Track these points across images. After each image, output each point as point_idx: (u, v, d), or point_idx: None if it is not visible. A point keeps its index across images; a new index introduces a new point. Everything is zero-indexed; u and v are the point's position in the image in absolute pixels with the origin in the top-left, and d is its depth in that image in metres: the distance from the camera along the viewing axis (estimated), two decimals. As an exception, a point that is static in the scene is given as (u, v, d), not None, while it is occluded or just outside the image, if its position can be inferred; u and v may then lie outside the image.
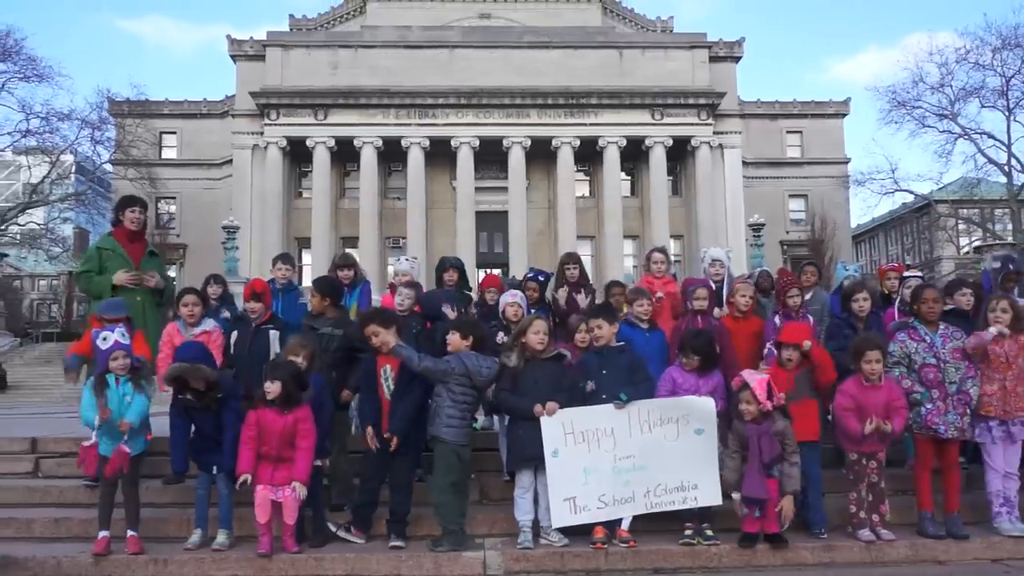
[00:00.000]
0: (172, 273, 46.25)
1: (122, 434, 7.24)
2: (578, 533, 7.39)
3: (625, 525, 7.40)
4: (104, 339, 7.55)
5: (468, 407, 7.50)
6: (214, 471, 7.46)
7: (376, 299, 10.80)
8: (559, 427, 7.39)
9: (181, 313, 8.96)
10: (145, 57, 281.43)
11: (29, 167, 53.24)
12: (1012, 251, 35.13)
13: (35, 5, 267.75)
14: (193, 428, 7.66)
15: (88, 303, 7.95)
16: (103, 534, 7.20)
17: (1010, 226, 51.73)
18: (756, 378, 7.32)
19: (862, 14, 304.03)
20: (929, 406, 7.61)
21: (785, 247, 56.69)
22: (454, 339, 7.56)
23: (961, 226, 57.77)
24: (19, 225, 53.10)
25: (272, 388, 7.20)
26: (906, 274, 10.11)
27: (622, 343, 7.89)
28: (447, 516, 7.26)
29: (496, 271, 42.24)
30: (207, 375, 7.37)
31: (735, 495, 7.15)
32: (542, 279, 10.19)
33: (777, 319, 8.84)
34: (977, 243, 55.19)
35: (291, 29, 59.02)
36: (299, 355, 7.58)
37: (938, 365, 7.67)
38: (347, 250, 13.10)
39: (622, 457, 7.42)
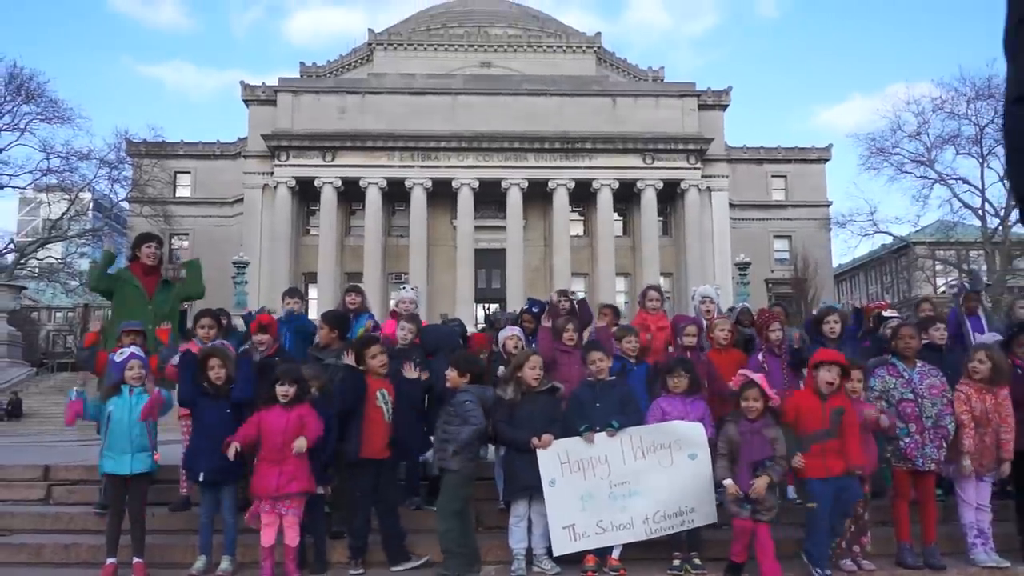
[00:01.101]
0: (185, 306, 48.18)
1: (143, 443, 7.49)
2: (569, 562, 7.52)
3: (615, 554, 7.50)
4: (120, 354, 7.77)
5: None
6: (200, 478, 7.57)
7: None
8: (555, 458, 7.53)
9: (198, 333, 9.28)
10: (164, 101, 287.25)
11: (49, 204, 55.62)
12: (970, 276, 36.22)
13: (61, 51, 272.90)
14: (191, 427, 7.97)
15: (103, 334, 8.71)
16: (110, 561, 7.34)
17: (985, 267, 53.88)
18: (759, 376, 7.54)
19: (847, 64, 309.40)
20: (908, 439, 7.70)
21: (770, 285, 59.12)
22: (453, 376, 7.70)
23: (938, 267, 59.83)
24: (38, 259, 55.39)
25: (288, 391, 7.39)
26: (885, 314, 10.11)
27: (614, 377, 8.02)
28: (456, 541, 7.42)
29: (493, 306, 44.71)
30: (230, 359, 7.85)
31: (727, 481, 7.16)
32: (536, 310, 10.42)
33: (760, 355, 9.02)
34: (953, 282, 57.49)
35: (302, 76, 61.88)
36: (312, 385, 7.77)
37: (916, 400, 7.75)
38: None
39: (617, 483, 7.52)
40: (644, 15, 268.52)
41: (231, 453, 7.19)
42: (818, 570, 7.08)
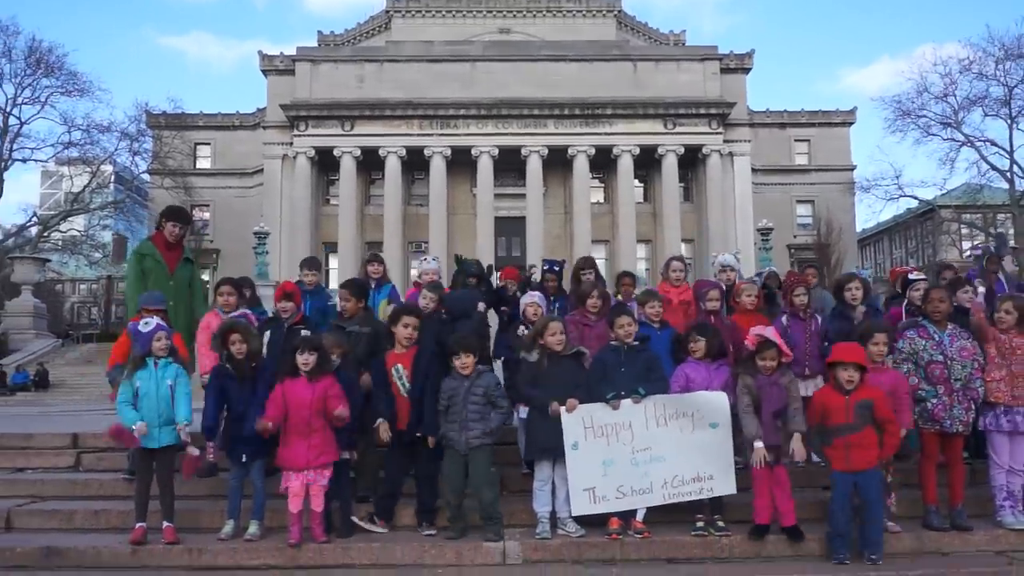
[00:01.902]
0: (205, 277, 48.89)
1: (170, 418, 7.49)
2: (594, 524, 7.53)
3: (640, 516, 7.52)
4: (146, 323, 7.71)
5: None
6: (243, 459, 7.61)
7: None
8: (579, 422, 7.56)
9: (218, 301, 9.22)
10: (185, 72, 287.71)
11: (71, 177, 56.20)
12: (997, 238, 35.57)
13: (81, 23, 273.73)
14: (226, 412, 7.81)
15: (126, 306, 8.67)
16: (140, 525, 7.40)
17: (1012, 230, 53.23)
18: (772, 333, 7.61)
19: (876, 25, 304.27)
20: (935, 401, 7.67)
21: (792, 251, 58.63)
22: (470, 361, 7.73)
23: (964, 230, 59.30)
24: (61, 232, 55.95)
25: (309, 359, 7.37)
26: (912, 276, 9.94)
27: (637, 342, 7.96)
28: (496, 506, 7.55)
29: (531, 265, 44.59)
30: (253, 334, 7.81)
31: (757, 443, 7.19)
32: (558, 269, 10.54)
33: (784, 318, 8.92)
34: (979, 246, 56.87)
35: (319, 45, 61.72)
36: (334, 353, 7.74)
37: (945, 362, 7.72)
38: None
39: (639, 449, 7.56)
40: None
41: (265, 432, 7.28)
42: (834, 556, 7.04)
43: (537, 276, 11.57)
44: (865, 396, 7.13)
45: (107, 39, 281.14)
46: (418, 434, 7.81)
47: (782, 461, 7.32)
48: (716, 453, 7.58)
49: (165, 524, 7.46)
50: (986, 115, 51.38)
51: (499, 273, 11.32)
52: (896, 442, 7.24)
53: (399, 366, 7.86)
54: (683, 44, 63.51)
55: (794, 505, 7.35)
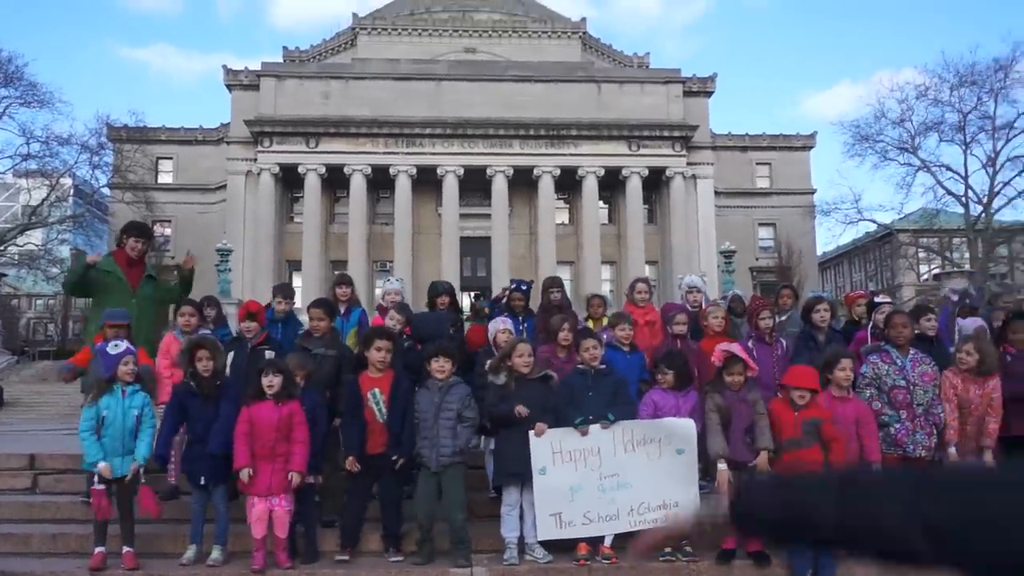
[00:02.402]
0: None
1: (130, 448, 7.40)
2: (562, 549, 7.59)
3: (608, 542, 7.55)
4: (115, 346, 7.60)
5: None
6: (201, 482, 7.49)
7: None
8: (547, 446, 7.56)
9: (179, 323, 9.25)
10: (147, 85, 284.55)
11: (29, 190, 55.03)
12: (968, 282, 36.63)
13: (41, 33, 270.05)
14: (185, 434, 7.82)
15: (84, 323, 8.52)
16: (99, 550, 7.28)
17: (968, 254, 54.31)
18: (737, 348, 7.73)
19: (836, 51, 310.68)
20: (898, 426, 7.71)
21: (755, 273, 59.37)
22: (448, 367, 7.77)
23: (921, 254, 60.28)
24: (18, 246, 54.64)
25: (274, 381, 7.30)
26: (878, 299, 9.99)
27: (605, 366, 7.99)
28: (466, 530, 7.57)
29: (474, 293, 44.54)
30: (220, 351, 7.77)
31: (721, 464, 7.25)
32: (525, 288, 10.66)
33: (750, 342, 8.91)
34: (936, 271, 57.80)
35: (285, 60, 61.45)
36: (298, 375, 7.71)
37: (907, 387, 7.77)
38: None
39: (607, 475, 7.55)
40: (633, 1, 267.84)
41: (244, 477, 7.20)
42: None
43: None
44: (815, 415, 7.31)
45: (68, 50, 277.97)
46: (393, 457, 7.68)
47: None
48: (682, 480, 7.60)
49: (125, 549, 7.34)
50: (941, 140, 52.37)
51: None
52: (840, 460, 7.21)
53: (376, 391, 7.74)
54: (647, 67, 64.24)
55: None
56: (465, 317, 11.03)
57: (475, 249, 55.26)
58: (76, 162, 52.21)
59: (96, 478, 7.34)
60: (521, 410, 7.54)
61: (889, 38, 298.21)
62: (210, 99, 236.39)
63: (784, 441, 7.28)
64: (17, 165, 52.41)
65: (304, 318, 9.72)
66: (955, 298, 11.09)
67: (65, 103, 61.76)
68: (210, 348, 7.72)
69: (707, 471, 7.79)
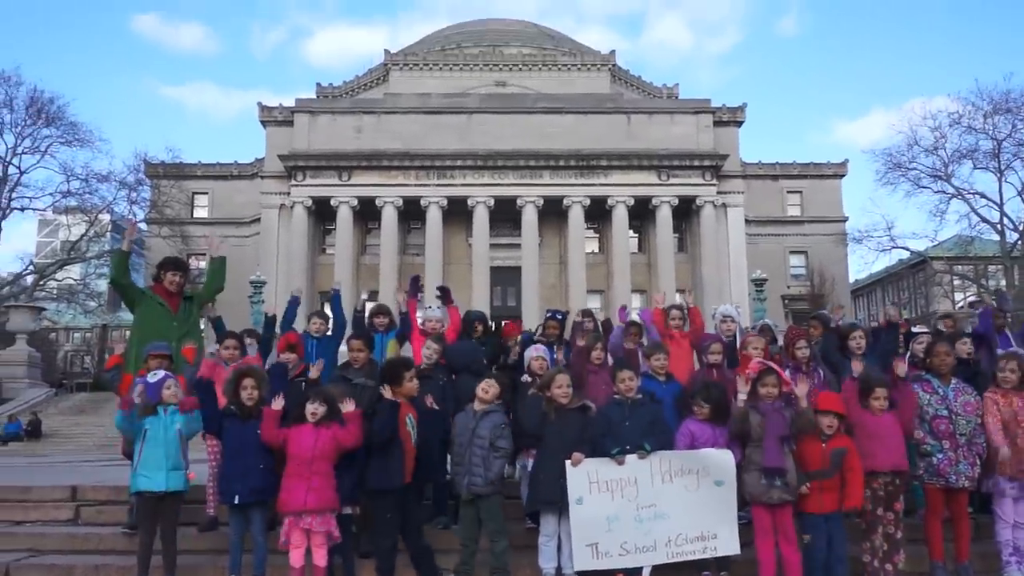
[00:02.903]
0: (201, 325, 48.47)
1: (178, 462, 7.60)
2: (600, 580, 7.50)
3: (646, 573, 7.53)
4: (154, 375, 7.83)
5: None
6: (236, 501, 7.56)
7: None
8: (584, 476, 7.54)
9: (223, 356, 9.39)
10: (186, 122, 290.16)
11: (68, 226, 56.25)
12: (997, 294, 36.33)
13: (84, 73, 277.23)
14: (221, 451, 8.01)
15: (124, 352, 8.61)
16: None
17: (1004, 282, 53.46)
18: (773, 364, 7.74)
19: (868, 79, 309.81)
20: (940, 456, 7.69)
21: (786, 301, 58.81)
22: (492, 388, 7.93)
23: (956, 282, 59.55)
24: (57, 280, 55.75)
25: (318, 410, 7.44)
26: (915, 330, 9.95)
27: (641, 396, 8.04)
28: (507, 557, 7.65)
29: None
30: (266, 381, 7.88)
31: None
32: (560, 317, 10.79)
33: (788, 372, 8.66)
34: (972, 298, 57.03)
35: (318, 96, 62.54)
36: (343, 402, 7.76)
37: (950, 417, 7.74)
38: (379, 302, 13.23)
39: (644, 506, 7.53)
40: (665, 33, 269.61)
41: (277, 405, 7.44)
42: None
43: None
44: (840, 444, 7.39)
45: (108, 89, 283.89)
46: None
47: (789, 497, 7.29)
48: (721, 511, 7.56)
49: None
50: (975, 168, 51.86)
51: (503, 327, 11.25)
52: (859, 488, 7.33)
53: (411, 416, 7.81)
54: (676, 97, 64.58)
55: (800, 558, 7.32)
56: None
57: (505, 279, 55.48)
58: (115, 199, 53.50)
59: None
60: (575, 457, 7.58)
61: (922, 66, 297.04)
62: (246, 135, 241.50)
63: (811, 472, 7.33)
64: (57, 202, 53.81)
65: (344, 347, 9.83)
66: (982, 310, 11.10)
67: (104, 141, 63.31)
68: (256, 378, 7.84)
69: (742, 503, 7.76)
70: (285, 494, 7.36)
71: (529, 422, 7.94)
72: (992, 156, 50.84)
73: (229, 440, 7.80)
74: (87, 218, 53.97)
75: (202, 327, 9.78)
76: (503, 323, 11.50)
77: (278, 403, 7.58)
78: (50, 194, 52.31)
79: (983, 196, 51.39)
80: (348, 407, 7.58)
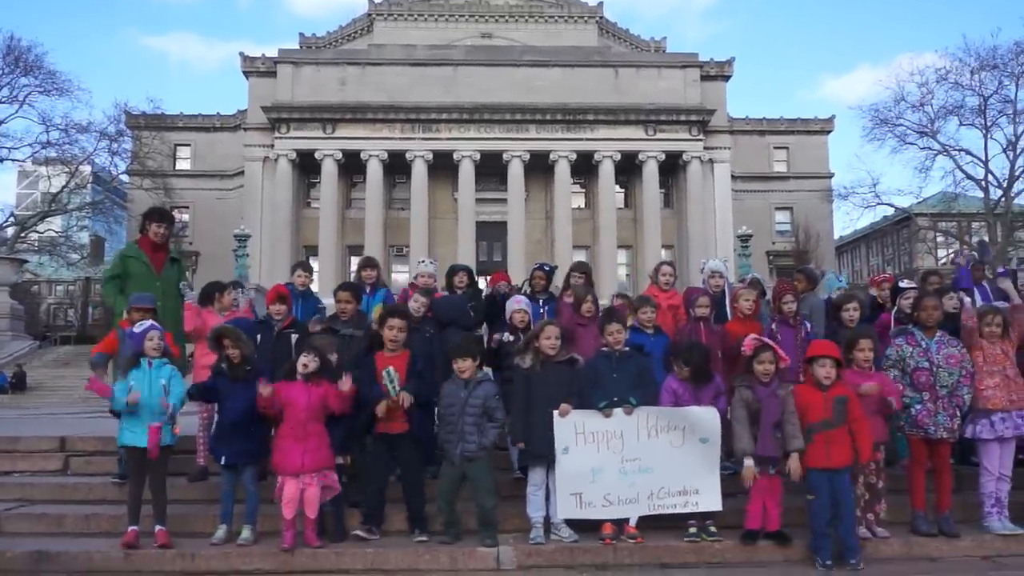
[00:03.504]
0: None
1: (162, 413, 7.46)
2: (587, 529, 7.61)
3: (632, 522, 7.60)
4: (140, 325, 7.76)
5: None
6: (223, 461, 7.59)
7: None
8: (571, 427, 7.60)
9: (224, 303, 9.57)
10: (168, 72, 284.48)
11: (48, 177, 55.59)
12: (978, 246, 36.65)
13: (63, 23, 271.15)
14: (216, 414, 7.97)
15: (104, 307, 8.49)
16: (132, 528, 7.39)
17: (987, 238, 53.85)
18: (769, 340, 7.70)
19: (857, 34, 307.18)
20: (919, 407, 7.73)
21: (771, 257, 59.12)
22: (471, 365, 7.77)
23: (939, 238, 59.98)
24: (38, 233, 55.37)
25: (310, 362, 7.45)
26: (903, 285, 9.96)
27: (628, 348, 8.05)
28: (494, 513, 7.65)
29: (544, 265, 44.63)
30: (245, 345, 7.74)
31: (747, 461, 7.28)
32: (548, 269, 10.62)
33: (774, 325, 8.92)
34: (963, 252, 57.16)
35: (301, 47, 61.46)
36: (329, 353, 7.79)
37: (931, 369, 7.78)
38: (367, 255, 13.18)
39: (629, 459, 7.61)
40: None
41: (265, 392, 7.33)
42: (819, 560, 7.16)
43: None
44: (841, 392, 7.36)
45: (89, 39, 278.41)
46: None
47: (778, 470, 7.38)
48: (704, 468, 7.66)
49: (157, 527, 7.44)
50: (961, 124, 52.09)
51: (488, 279, 11.17)
52: (868, 439, 7.31)
53: (391, 368, 7.71)
54: (663, 51, 63.83)
55: (780, 512, 7.49)
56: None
57: (491, 234, 55.35)
58: (95, 149, 53.00)
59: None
60: (562, 408, 7.61)
61: (911, 22, 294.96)
62: (229, 86, 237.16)
63: (815, 423, 7.28)
64: (37, 153, 53.13)
65: (328, 300, 9.85)
66: (964, 260, 11.11)
67: (84, 91, 62.27)
68: (232, 337, 7.76)
69: (730, 454, 7.81)
70: (280, 455, 7.42)
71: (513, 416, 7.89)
72: (978, 112, 51.03)
73: (222, 404, 7.79)
74: (68, 169, 53.45)
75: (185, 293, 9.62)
76: (488, 278, 11.28)
77: (266, 389, 7.43)
78: (29, 144, 51.67)
79: (968, 153, 51.75)
80: (344, 385, 7.54)
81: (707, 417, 7.68)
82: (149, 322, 7.83)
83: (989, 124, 50.89)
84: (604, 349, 8.07)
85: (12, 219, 55.89)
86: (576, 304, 9.30)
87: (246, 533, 7.49)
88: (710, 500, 7.64)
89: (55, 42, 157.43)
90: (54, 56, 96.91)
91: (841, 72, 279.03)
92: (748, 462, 7.30)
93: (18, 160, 54.20)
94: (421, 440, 8.18)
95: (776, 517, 7.44)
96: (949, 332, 8.20)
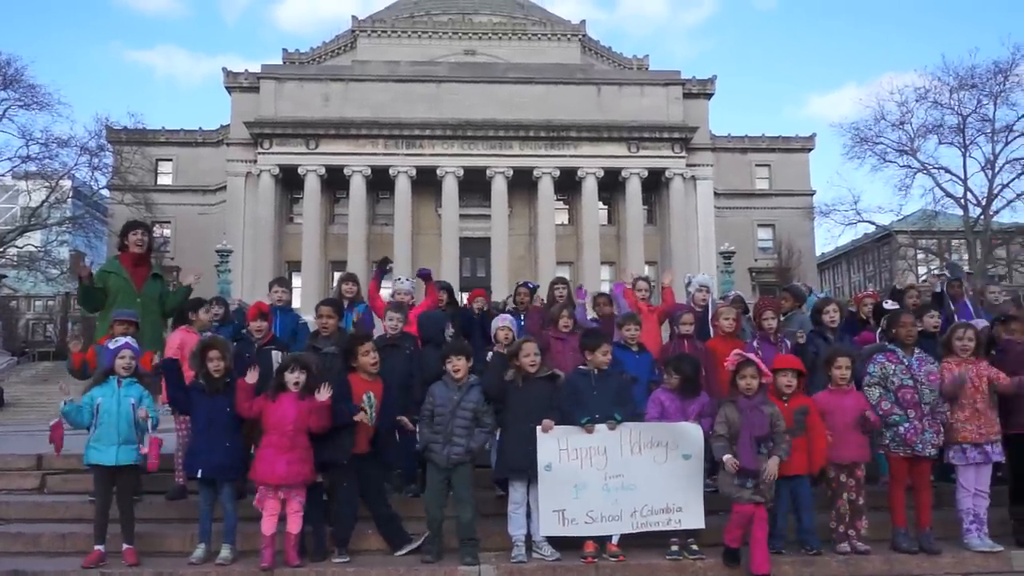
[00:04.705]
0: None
1: (143, 429, 7.45)
2: (569, 547, 7.62)
3: (615, 540, 7.60)
4: (115, 341, 7.78)
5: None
6: (198, 474, 7.52)
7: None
8: (554, 443, 7.58)
9: (201, 319, 9.53)
10: (154, 87, 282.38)
11: (28, 192, 54.85)
12: (949, 265, 37.25)
13: (46, 36, 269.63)
14: (189, 426, 7.96)
15: (84, 323, 8.35)
16: (97, 547, 7.39)
17: (966, 256, 54.32)
18: (752, 355, 7.73)
19: (842, 54, 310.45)
20: (906, 425, 7.74)
21: (754, 274, 59.46)
22: (463, 365, 7.83)
23: (920, 255, 60.40)
24: (17, 248, 54.69)
25: (300, 378, 7.43)
26: (887, 305, 10.13)
27: (607, 367, 8.04)
28: (474, 527, 7.64)
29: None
30: (229, 350, 7.79)
31: (726, 457, 7.28)
32: (531, 287, 11.16)
33: (755, 342, 9.00)
34: (935, 272, 57.81)
35: (285, 63, 61.52)
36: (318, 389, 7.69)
37: (915, 386, 7.81)
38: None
39: (612, 476, 7.57)
40: (640, 4, 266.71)
41: (252, 378, 7.49)
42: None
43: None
44: (802, 403, 7.71)
45: (73, 53, 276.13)
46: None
47: (761, 500, 7.31)
48: (687, 485, 7.65)
49: (125, 546, 7.41)
50: (941, 143, 52.37)
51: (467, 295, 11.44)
52: (822, 449, 7.59)
53: (371, 394, 7.83)
54: (646, 69, 64.30)
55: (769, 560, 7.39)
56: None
57: (475, 250, 55.31)
58: (75, 164, 52.24)
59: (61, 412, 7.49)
60: (545, 423, 7.63)
61: (896, 41, 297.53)
62: (214, 101, 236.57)
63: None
64: (16, 167, 52.38)
65: (310, 317, 9.76)
66: (939, 282, 11.48)
67: (64, 105, 61.24)
68: (221, 349, 7.74)
69: (713, 470, 7.89)
70: (263, 465, 7.38)
71: (489, 384, 7.90)
72: (957, 131, 51.42)
73: (196, 415, 7.76)
74: (48, 184, 52.78)
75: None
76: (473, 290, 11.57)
77: (252, 375, 7.52)
78: (8, 159, 51.06)
79: (947, 171, 52.08)
80: (323, 395, 7.49)
81: (691, 432, 7.67)
82: (124, 340, 7.80)
83: (968, 143, 51.32)
84: (583, 367, 8.06)
85: (-9, 233, 55.32)
86: (553, 320, 9.37)
87: (225, 552, 7.44)
88: (693, 518, 7.63)
89: (40, 55, 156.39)
90: (40, 69, 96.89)
91: (827, 90, 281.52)
92: (727, 457, 7.33)
93: (-3, 174, 53.77)
94: (387, 460, 8.28)
95: (761, 540, 7.27)
96: (925, 351, 8.26)
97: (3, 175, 54.58)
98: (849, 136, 52.62)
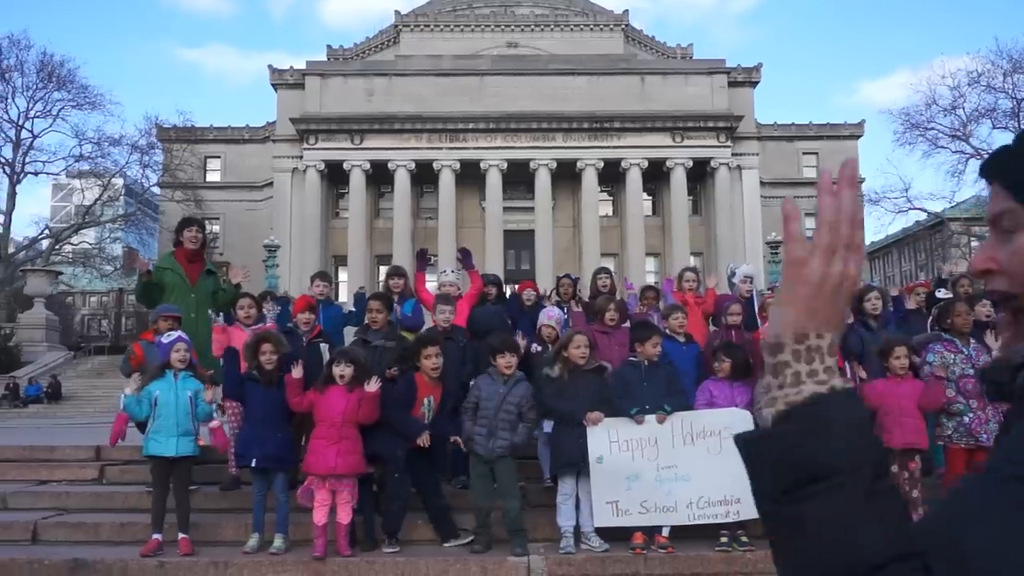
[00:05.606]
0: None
1: (205, 420, 7.66)
2: (618, 539, 7.56)
3: (665, 532, 7.57)
4: (167, 335, 7.93)
5: None
6: (252, 464, 7.64)
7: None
8: (604, 435, 7.56)
9: (239, 316, 9.30)
10: (203, 85, 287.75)
11: (82, 190, 56.43)
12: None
13: (99, 37, 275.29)
14: (242, 414, 8.08)
15: (136, 317, 8.56)
16: (155, 536, 7.50)
17: (1021, 243, 52.90)
18: None
19: (894, 38, 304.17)
20: (971, 416, 7.61)
21: (802, 264, 58.56)
22: (512, 360, 7.82)
23: (974, 243, 59.05)
24: (72, 245, 56.15)
25: (346, 371, 7.47)
26: (939, 295, 9.98)
27: (656, 358, 8.01)
28: (521, 518, 7.67)
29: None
30: (284, 345, 7.83)
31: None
32: (574, 278, 11.18)
33: None
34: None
35: (329, 59, 62.08)
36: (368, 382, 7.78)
37: (976, 376, 7.62)
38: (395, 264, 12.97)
39: (664, 467, 7.55)
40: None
41: (297, 373, 7.53)
42: None
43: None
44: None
45: (125, 53, 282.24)
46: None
47: None
48: (743, 475, 7.53)
49: (180, 536, 7.52)
50: (994, 127, 51.24)
51: (516, 287, 11.45)
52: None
53: (431, 398, 7.86)
54: (690, 58, 63.78)
55: None
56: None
57: (519, 242, 55.39)
58: (127, 162, 53.68)
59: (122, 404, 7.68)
60: (596, 416, 7.55)
61: (949, 24, 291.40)
62: (263, 98, 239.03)
63: None
64: (70, 166, 53.93)
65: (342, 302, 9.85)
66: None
67: (116, 104, 63.29)
68: (275, 342, 7.83)
69: None
70: (313, 456, 7.43)
71: (549, 402, 7.83)
72: (1011, 115, 50.21)
73: (250, 405, 7.88)
74: (100, 182, 54.17)
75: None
76: (515, 286, 11.60)
77: (297, 371, 7.62)
78: (63, 158, 52.64)
79: (1002, 156, 50.73)
80: (372, 387, 7.54)
81: (742, 419, 7.48)
82: (177, 333, 8.00)
83: (1023, 126, 50.10)
84: (632, 359, 8.00)
85: (47, 232, 56.80)
86: (598, 312, 9.33)
87: (278, 542, 7.55)
88: (752, 509, 7.48)
89: (93, 55, 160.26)
90: (93, 69, 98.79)
91: (878, 76, 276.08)
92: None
93: (52, 173, 55.20)
94: (435, 459, 8.19)
95: None
96: (977, 340, 8.09)
97: (58, 174, 56.01)
98: (900, 122, 51.65)
